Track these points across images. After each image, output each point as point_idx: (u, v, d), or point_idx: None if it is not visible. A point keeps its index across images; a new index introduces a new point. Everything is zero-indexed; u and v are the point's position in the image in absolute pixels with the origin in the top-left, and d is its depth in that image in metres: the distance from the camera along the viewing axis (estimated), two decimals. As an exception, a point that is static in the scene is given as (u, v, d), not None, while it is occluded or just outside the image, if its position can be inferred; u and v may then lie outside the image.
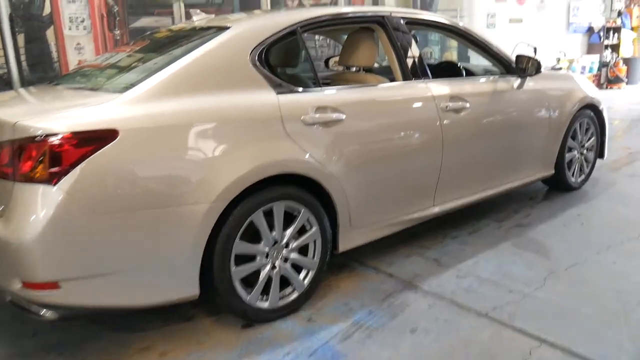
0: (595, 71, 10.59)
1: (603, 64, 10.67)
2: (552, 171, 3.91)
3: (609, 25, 10.68)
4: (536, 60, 3.41)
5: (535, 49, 9.08)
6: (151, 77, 2.20)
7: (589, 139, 4.18)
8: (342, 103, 2.59)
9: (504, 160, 3.48)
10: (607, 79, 10.71)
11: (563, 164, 3.95)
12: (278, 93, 2.42)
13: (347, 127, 2.59)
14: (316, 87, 2.63)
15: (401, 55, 2.97)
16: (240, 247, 2.30)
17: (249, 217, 2.30)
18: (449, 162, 3.06)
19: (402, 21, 3.05)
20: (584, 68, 10.33)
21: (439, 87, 3.04)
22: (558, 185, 4.12)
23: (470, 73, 3.78)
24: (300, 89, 2.52)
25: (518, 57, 3.47)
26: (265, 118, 2.35)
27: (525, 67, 3.44)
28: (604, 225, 3.46)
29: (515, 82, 3.49)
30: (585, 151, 4.17)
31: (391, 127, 2.80)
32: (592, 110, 4.11)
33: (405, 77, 2.96)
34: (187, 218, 2.11)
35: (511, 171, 3.57)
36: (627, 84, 10.80)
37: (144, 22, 5.02)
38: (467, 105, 3.10)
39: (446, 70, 3.79)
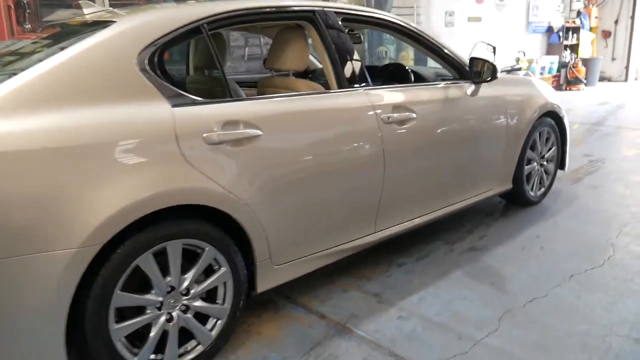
0: (555, 72, 10.44)
1: (562, 65, 10.52)
2: (510, 185, 3.55)
3: (568, 25, 10.53)
4: (492, 64, 3.03)
5: (494, 49, 8.81)
6: (-2, 85, 1.70)
7: (549, 149, 3.85)
8: (258, 116, 2.13)
9: (457, 176, 3.10)
10: (567, 80, 10.57)
11: (522, 177, 3.60)
12: (174, 105, 1.95)
13: (265, 145, 2.13)
14: (227, 98, 2.16)
15: (335, 58, 2.53)
16: (122, 299, 1.83)
17: (133, 262, 1.82)
18: (393, 180, 2.65)
19: (337, 18, 2.61)
20: (543, 69, 10.14)
21: (380, 96, 2.62)
22: (516, 200, 3.77)
23: (420, 77, 3.37)
24: (204, 99, 2.05)
25: (472, 60, 3.08)
26: (154, 137, 1.87)
27: (480, 71, 3.06)
28: (567, 247, 3.10)
29: (469, 88, 3.10)
30: (545, 162, 3.83)
31: (320, 144, 2.36)
32: (552, 118, 3.77)
33: (341, 84, 2.53)
34: (41, 269, 1.63)
35: (466, 187, 3.19)
36: (586, 85, 10.69)
37: (61, 15, 4.44)
38: (414, 115, 2.70)
39: (393, 74, 3.39)
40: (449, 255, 3.06)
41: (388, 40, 7.26)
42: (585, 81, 10.55)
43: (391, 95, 2.69)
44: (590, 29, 11.48)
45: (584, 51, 10.86)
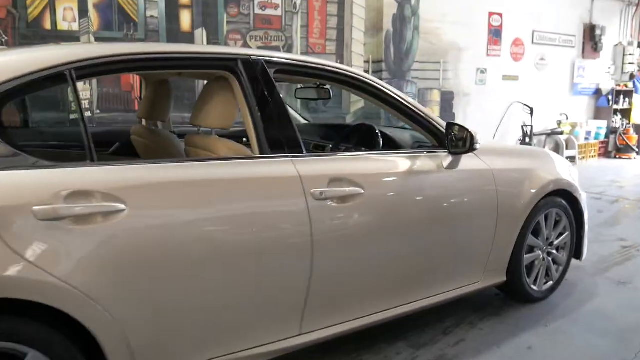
0: (602, 137, 9.60)
1: (611, 131, 9.68)
2: (504, 278, 2.91)
3: (619, 88, 9.74)
4: (469, 132, 2.47)
5: (531, 110, 8.19)
6: None
7: (560, 236, 3.18)
8: (120, 186, 1.67)
9: (423, 267, 2.50)
10: (616, 147, 9.69)
11: (519, 268, 2.95)
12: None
13: (131, 223, 1.66)
14: (81, 161, 1.71)
15: (257, 117, 2.06)
16: None
17: None
18: (326, 270, 2.11)
19: (268, 69, 2.14)
20: (589, 133, 9.35)
21: (313, 166, 2.11)
22: (514, 295, 3.11)
23: (393, 144, 2.84)
24: (50, 163, 1.61)
25: (449, 125, 2.53)
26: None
27: (457, 140, 2.50)
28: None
29: (446, 159, 2.55)
30: (554, 251, 3.16)
31: (216, 223, 1.86)
32: (564, 199, 3.13)
33: (263, 150, 2.05)
34: None
35: (436, 281, 2.58)
36: (638, 154, 9.76)
37: None
38: (360, 191, 2.16)
39: (362, 138, 2.87)
40: (409, 366, 2.44)
41: (409, 95, 6.76)
42: (637, 150, 9.63)
43: (330, 165, 2.18)
44: (646, 94, 10.61)
45: (637, 117, 9.98)
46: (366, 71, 6.38)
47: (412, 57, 6.65)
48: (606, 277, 3.57)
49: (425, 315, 2.83)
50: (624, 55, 9.93)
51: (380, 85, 2.47)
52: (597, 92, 9.77)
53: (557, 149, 8.72)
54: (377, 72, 6.46)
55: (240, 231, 1.89)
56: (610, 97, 9.60)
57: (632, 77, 10.11)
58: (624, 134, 9.58)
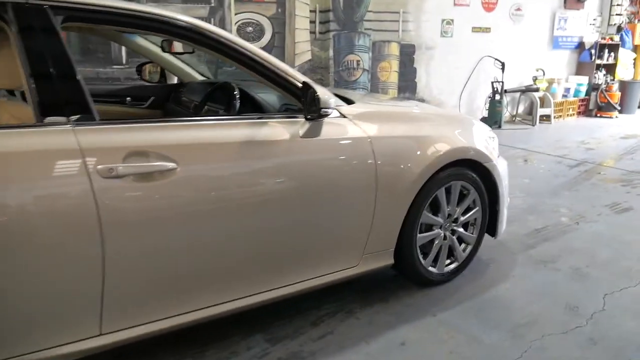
0: (583, 95, 9.08)
1: (593, 87, 9.14)
2: (390, 261, 2.56)
3: (603, 41, 9.13)
4: (315, 93, 2.04)
5: (503, 65, 7.65)
6: None
7: (468, 211, 2.82)
8: None
9: (268, 252, 2.13)
10: (598, 105, 9.18)
11: (411, 249, 2.59)
12: None
13: None
14: None
15: (32, 76, 1.66)
16: None
17: None
18: (125, 262, 1.76)
19: (51, 15, 1.72)
20: (567, 90, 8.82)
21: (101, 137, 1.71)
22: (410, 278, 2.77)
23: (257, 107, 2.43)
24: None
25: (305, 86, 2.11)
26: None
27: (313, 104, 2.08)
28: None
29: (303, 126, 2.14)
30: (460, 228, 2.80)
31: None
32: (474, 170, 2.74)
33: (37, 117, 1.65)
34: None
35: (289, 268, 2.22)
36: (620, 112, 9.25)
37: None
38: (172, 166, 1.78)
39: (220, 98, 2.47)
40: (253, 365, 2.12)
41: (361, 48, 6.25)
42: (619, 108, 9.12)
43: (130, 135, 1.78)
44: (635, 48, 10.00)
45: (622, 72, 9.41)
46: (312, 22, 5.86)
47: (364, 5, 6.08)
48: (529, 255, 3.21)
49: (303, 300, 2.52)
50: (611, 5, 9.27)
51: (218, 36, 2.02)
52: (580, 46, 9.17)
53: (531, 106, 8.24)
54: (324, 23, 5.94)
55: (12, 220, 1.53)
56: (593, 51, 9.00)
57: (619, 29, 9.48)
58: (606, 91, 9.03)
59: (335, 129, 2.23)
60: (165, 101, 3.36)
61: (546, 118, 8.36)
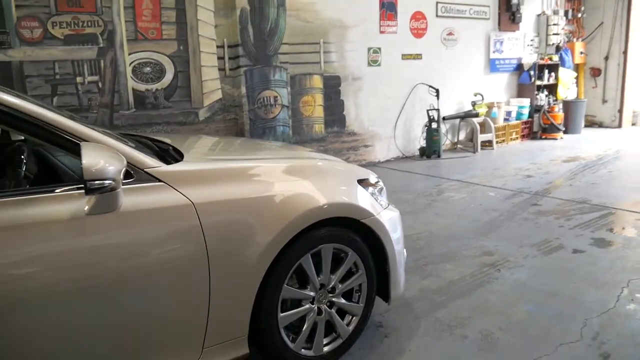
0: (526, 117, 8.84)
1: (536, 109, 8.92)
2: (245, 350, 2.05)
3: (542, 62, 8.95)
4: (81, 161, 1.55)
5: (437, 92, 7.33)
6: None
7: (348, 277, 2.35)
8: None
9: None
10: (541, 127, 8.95)
11: (271, 333, 2.10)
12: None
13: None
14: None
15: None
16: None
17: None
18: None
19: None
20: (509, 114, 8.56)
21: None
22: (275, 366, 2.27)
23: (61, 174, 1.94)
24: None
25: (82, 147, 1.62)
26: None
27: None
28: None
29: (90, 201, 1.64)
30: (341, 299, 2.33)
31: None
32: (349, 228, 2.29)
33: None
34: None
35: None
36: (565, 132, 9.05)
37: None
38: None
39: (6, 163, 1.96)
40: None
41: (278, 82, 5.82)
42: (562, 128, 8.90)
43: None
44: (577, 67, 9.90)
45: (564, 92, 9.24)
46: (220, 58, 5.43)
47: (278, 38, 5.68)
48: (435, 318, 2.74)
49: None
50: (547, 25, 9.15)
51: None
52: (519, 68, 8.98)
53: (472, 133, 7.94)
54: (234, 58, 5.51)
55: None
56: (532, 73, 8.80)
57: (558, 49, 9.35)
58: (549, 112, 8.82)
59: (142, 198, 1.74)
60: None
61: (488, 144, 8.06)
